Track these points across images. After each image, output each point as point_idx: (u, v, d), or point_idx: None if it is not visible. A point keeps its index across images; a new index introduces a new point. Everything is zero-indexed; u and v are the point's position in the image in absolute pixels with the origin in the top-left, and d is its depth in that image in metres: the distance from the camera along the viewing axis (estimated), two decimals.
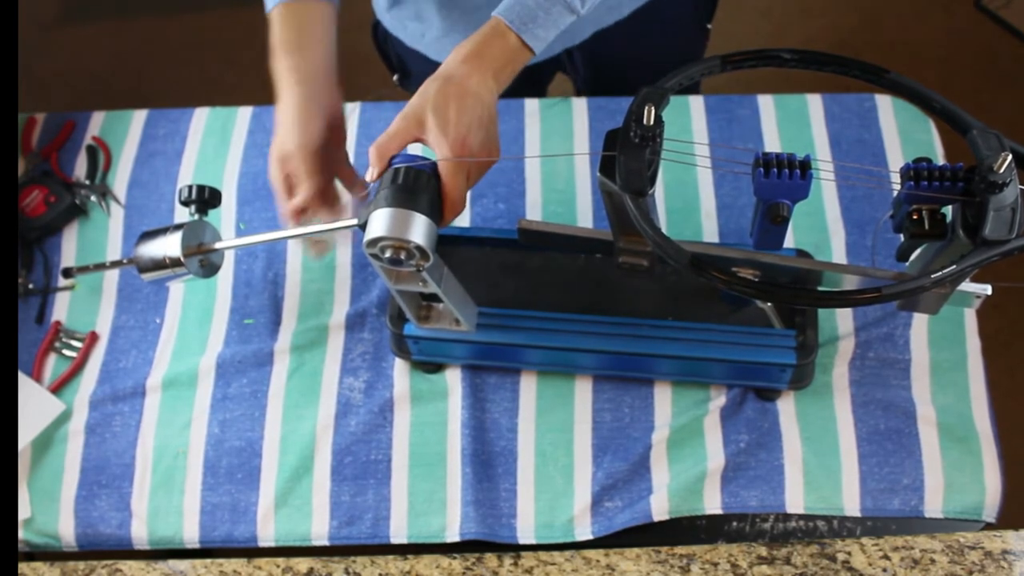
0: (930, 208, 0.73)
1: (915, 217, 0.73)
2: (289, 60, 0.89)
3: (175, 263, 0.93)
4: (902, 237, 0.76)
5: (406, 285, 0.86)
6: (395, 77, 1.33)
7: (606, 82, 1.29)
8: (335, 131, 0.91)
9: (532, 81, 1.29)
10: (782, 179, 0.73)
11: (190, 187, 0.94)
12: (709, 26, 1.28)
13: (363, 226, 0.79)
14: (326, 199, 0.90)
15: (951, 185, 0.70)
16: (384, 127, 1.19)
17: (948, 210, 0.73)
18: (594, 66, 1.27)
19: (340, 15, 0.94)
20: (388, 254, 0.78)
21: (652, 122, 0.71)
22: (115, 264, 1.05)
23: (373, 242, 0.77)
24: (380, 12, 1.21)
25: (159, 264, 0.93)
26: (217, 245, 0.95)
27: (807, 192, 0.73)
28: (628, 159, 0.72)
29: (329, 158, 0.90)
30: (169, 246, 0.93)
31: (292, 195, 0.89)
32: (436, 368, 1.05)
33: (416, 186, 0.78)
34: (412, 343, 0.99)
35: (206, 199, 0.95)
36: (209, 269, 0.97)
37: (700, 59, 0.75)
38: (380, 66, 1.33)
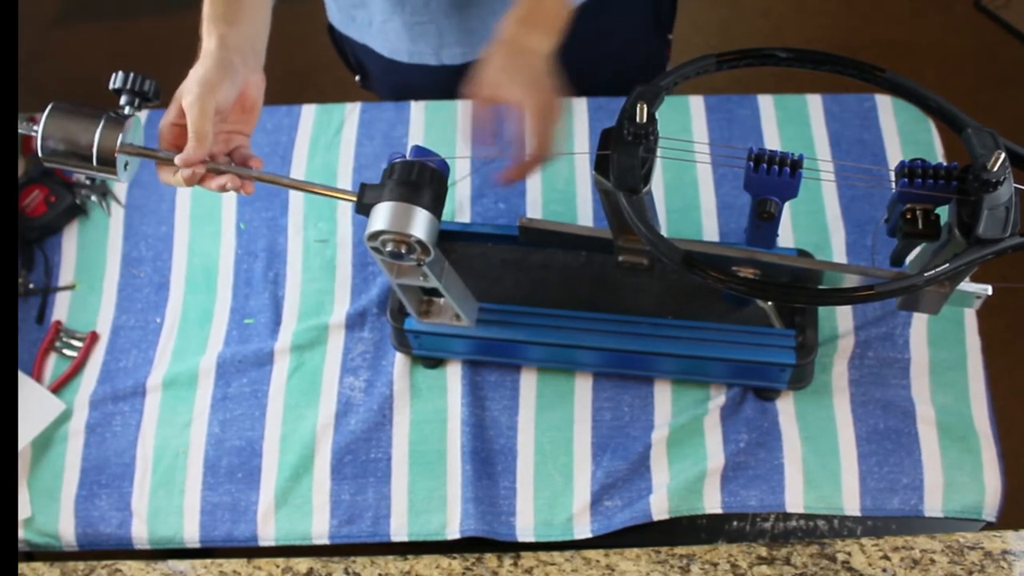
0: (924, 208, 0.73)
1: (909, 216, 0.73)
2: (216, 29, 0.85)
3: (106, 160, 0.80)
4: (897, 240, 0.76)
5: (407, 279, 0.87)
6: (357, 78, 1.33)
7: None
8: (247, 111, 0.86)
9: None
10: (771, 175, 0.73)
11: (126, 75, 0.83)
12: (670, 36, 1.28)
13: (362, 206, 0.79)
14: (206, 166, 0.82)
15: (945, 184, 0.70)
16: (383, 127, 1.21)
17: (944, 213, 0.73)
18: None
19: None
20: (389, 248, 0.78)
21: (645, 120, 0.71)
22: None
23: (374, 235, 0.78)
24: (329, 8, 1.20)
25: (82, 154, 0.80)
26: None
27: (796, 191, 0.73)
28: (621, 156, 0.72)
29: (228, 132, 0.86)
30: (103, 137, 0.80)
31: (170, 142, 0.83)
32: (436, 363, 1.05)
33: (418, 181, 0.78)
34: (413, 337, 0.99)
35: (144, 91, 0.83)
36: (127, 173, 0.84)
37: (695, 58, 0.75)
38: None
